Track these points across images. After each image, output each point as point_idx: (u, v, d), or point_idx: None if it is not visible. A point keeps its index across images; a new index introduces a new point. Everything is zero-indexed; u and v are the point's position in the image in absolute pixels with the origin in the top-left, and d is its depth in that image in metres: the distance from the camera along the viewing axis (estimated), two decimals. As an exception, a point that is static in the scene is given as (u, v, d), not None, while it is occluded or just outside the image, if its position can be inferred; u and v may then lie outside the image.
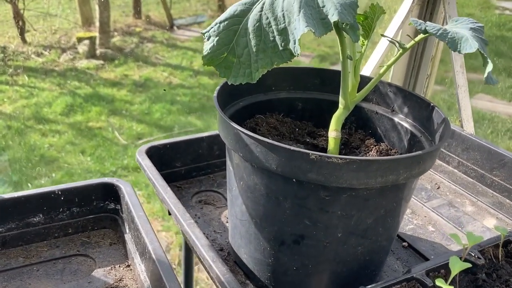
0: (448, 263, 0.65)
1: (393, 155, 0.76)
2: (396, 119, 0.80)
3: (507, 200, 0.99)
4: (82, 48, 4.93)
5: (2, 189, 2.74)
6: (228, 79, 0.65)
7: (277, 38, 0.62)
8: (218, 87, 0.75)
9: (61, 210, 0.81)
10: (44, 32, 5.36)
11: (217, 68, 0.67)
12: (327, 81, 0.86)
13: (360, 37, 0.76)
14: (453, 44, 0.64)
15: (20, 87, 4.35)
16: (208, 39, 0.66)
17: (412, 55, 1.29)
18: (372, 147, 0.79)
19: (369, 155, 0.78)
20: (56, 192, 0.80)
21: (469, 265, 0.60)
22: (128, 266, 0.77)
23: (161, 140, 0.97)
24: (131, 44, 5.31)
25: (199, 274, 2.05)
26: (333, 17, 0.61)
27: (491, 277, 0.67)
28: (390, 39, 0.74)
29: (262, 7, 0.63)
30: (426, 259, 0.83)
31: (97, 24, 5.13)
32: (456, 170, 1.09)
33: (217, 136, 1.01)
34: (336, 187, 0.61)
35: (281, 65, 0.80)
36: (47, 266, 0.77)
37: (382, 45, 1.14)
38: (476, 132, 1.21)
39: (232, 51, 0.65)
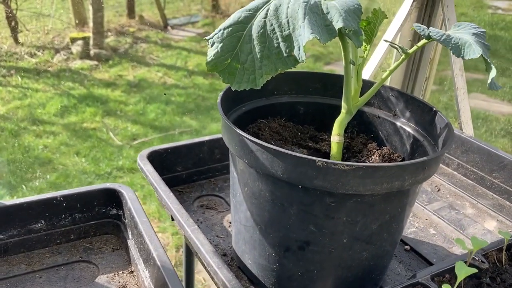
0: (452, 267, 0.66)
1: (396, 159, 0.77)
2: (398, 123, 0.80)
3: (507, 202, 0.99)
4: (76, 48, 4.91)
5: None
6: (232, 85, 0.65)
7: (281, 44, 0.62)
8: (221, 93, 0.75)
9: (63, 216, 0.81)
10: (37, 33, 5.33)
11: (221, 74, 0.67)
12: (328, 85, 0.86)
13: (363, 43, 0.76)
14: (456, 49, 0.64)
15: (13, 88, 4.32)
16: (212, 45, 0.66)
17: (411, 58, 1.29)
18: (375, 151, 0.79)
19: (371, 159, 0.78)
20: (58, 198, 0.79)
21: (475, 270, 0.60)
22: (132, 272, 0.77)
23: (162, 144, 0.96)
24: (125, 44, 5.29)
25: (195, 275, 2.05)
26: (337, 24, 0.61)
27: (495, 281, 0.67)
28: (393, 44, 0.75)
29: (266, 14, 0.63)
30: (428, 262, 0.83)
31: (91, 24, 5.11)
32: (455, 173, 1.09)
33: (218, 140, 1.01)
34: (342, 193, 0.61)
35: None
36: (50, 273, 0.76)
37: (381, 48, 1.15)
38: (470, 131, 1.22)
39: (236, 58, 0.65)
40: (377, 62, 1.11)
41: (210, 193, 0.98)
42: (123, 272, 0.77)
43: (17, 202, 0.78)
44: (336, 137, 0.74)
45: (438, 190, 1.04)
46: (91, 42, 4.98)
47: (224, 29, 0.65)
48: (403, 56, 0.73)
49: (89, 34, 5.02)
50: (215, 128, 3.44)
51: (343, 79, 0.72)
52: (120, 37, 5.42)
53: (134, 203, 0.79)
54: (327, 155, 0.78)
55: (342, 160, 0.75)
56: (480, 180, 1.04)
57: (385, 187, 0.60)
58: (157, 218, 2.58)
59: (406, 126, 0.79)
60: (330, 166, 0.58)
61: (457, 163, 1.09)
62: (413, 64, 1.29)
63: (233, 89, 0.64)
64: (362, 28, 0.75)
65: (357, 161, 0.78)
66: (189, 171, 0.99)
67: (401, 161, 0.76)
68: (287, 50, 0.62)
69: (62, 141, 3.52)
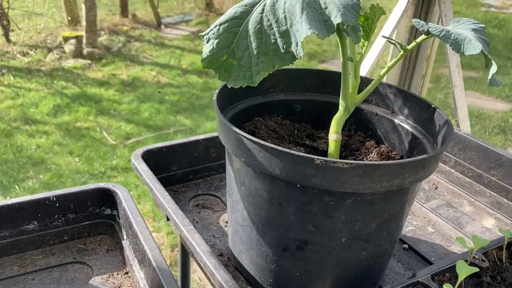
0: (452, 266, 0.65)
1: (394, 157, 0.76)
2: (396, 121, 0.79)
3: (505, 200, 0.99)
4: (69, 47, 4.87)
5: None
6: (228, 83, 0.63)
7: (278, 40, 0.61)
8: (217, 91, 0.73)
9: (56, 217, 0.79)
10: (30, 32, 5.28)
11: (217, 71, 0.65)
12: (326, 82, 0.85)
13: (361, 39, 0.75)
14: (456, 45, 0.63)
15: (6, 87, 4.28)
16: (207, 42, 0.65)
17: (407, 55, 1.29)
18: (373, 149, 0.78)
19: (369, 157, 0.77)
20: (51, 199, 0.78)
21: (476, 269, 0.59)
22: (127, 273, 0.76)
23: (156, 143, 0.95)
24: (118, 43, 5.26)
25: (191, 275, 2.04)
26: (336, 19, 0.60)
27: (495, 279, 0.66)
28: (391, 40, 0.74)
29: (263, 9, 0.62)
30: (427, 261, 0.82)
31: (84, 23, 5.07)
32: (453, 170, 1.09)
33: (214, 138, 1.00)
34: (341, 192, 0.60)
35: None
36: (43, 275, 0.74)
37: (378, 45, 1.14)
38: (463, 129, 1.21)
39: (232, 54, 0.64)
40: (374, 59, 1.10)
41: (206, 192, 0.96)
42: (117, 273, 0.76)
43: (9, 202, 0.76)
44: (333, 135, 0.73)
45: (435, 188, 1.03)
46: (84, 41, 4.95)
47: (220, 25, 0.64)
48: (402, 52, 0.72)
49: (82, 33, 4.98)
50: (210, 127, 3.43)
51: (340, 76, 0.71)
52: (113, 35, 5.39)
53: (129, 203, 0.77)
54: (324, 153, 0.77)
55: (340, 158, 0.74)
56: (477, 177, 1.04)
57: (385, 186, 0.59)
58: (151, 217, 2.57)
59: (404, 123, 0.78)
60: (329, 164, 0.57)
61: (454, 161, 1.08)
62: (409, 62, 1.28)
63: (229, 86, 0.63)
64: (360, 24, 0.74)
65: (355, 159, 0.77)
66: (185, 170, 0.98)
67: (399, 159, 0.76)
68: (284, 46, 0.61)
69: (55, 141, 3.49)
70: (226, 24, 0.63)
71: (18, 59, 4.73)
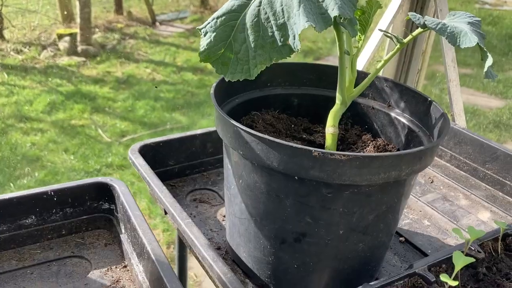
0: (449, 257, 0.65)
1: (390, 150, 0.76)
2: (392, 114, 0.80)
3: (500, 193, 1.00)
4: (63, 44, 4.85)
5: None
6: (226, 76, 0.64)
7: (276, 33, 0.61)
8: (214, 84, 0.73)
9: (54, 211, 0.79)
10: (23, 29, 5.26)
11: (214, 64, 0.65)
12: (323, 76, 0.85)
13: (358, 32, 0.75)
14: (452, 38, 0.64)
15: (0, 85, 4.26)
16: (205, 35, 0.65)
17: (403, 50, 1.29)
18: (369, 143, 0.79)
19: (366, 150, 0.77)
20: (49, 193, 0.78)
21: (472, 259, 0.60)
22: (125, 267, 0.76)
23: (153, 138, 0.95)
24: (113, 41, 5.24)
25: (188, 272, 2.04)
26: (333, 12, 0.60)
27: (491, 270, 0.67)
28: (387, 34, 0.74)
29: (260, 2, 0.62)
30: (423, 254, 0.83)
31: (78, 20, 5.05)
32: (448, 164, 1.09)
33: (211, 133, 1.00)
34: (338, 183, 0.60)
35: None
36: (41, 269, 0.75)
37: (374, 40, 1.14)
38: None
39: (229, 47, 0.64)
40: (370, 54, 1.10)
41: (203, 187, 0.97)
42: (116, 267, 0.76)
43: (7, 197, 0.76)
44: (330, 129, 0.73)
45: (431, 182, 1.04)
46: (78, 38, 4.93)
47: (217, 18, 0.64)
48: (398, 45, 0.72)
49: (77, 30, 4.97)
50: (205, 124, 3.42)
51: (337, 70, 0.72)
52: (108, 33, 5.37)
53: (127, 197, 0.78)
54: (321, 147, 0.77)
55: (337, 151, 0.74)
56: (473, 171, 1.05)
57: (382, 177, 0.60)
58: (147, 214, 2.57)
59: (400, 117, 0.79)
60: (327, 156, 0.58)
61: (450, 155, 1.09)
62: (405, 56, 1.28)
63: (226, 79, 0.63)
64: (356, 17, 0.74)
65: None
66: (182, 165, 0.98)
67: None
68: (281, 39, 0.61)
69: (50, 138, 3.48)
70: (223, 17, 0.63)
71: (12, 57, 4.71)
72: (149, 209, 2.58)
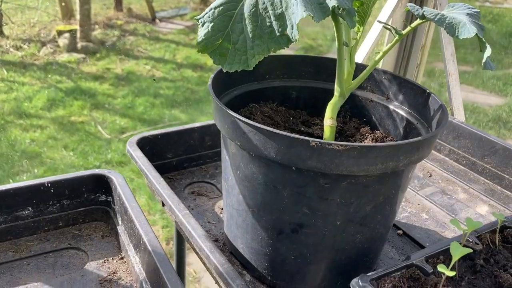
0: (446, 249, 0.65)
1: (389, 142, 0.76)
2: (391, 107, 0.80)
3: (499, 187, 0.99)
4: (63, 41, 4.85)
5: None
6: (223, 67, 0.63)
7: (274, 23, 0.61)
8: (212, 76, 0.73)
9: (51, 203, 0.79)
10: (23, 25, 5.25)
11: (212, 55, 0.65)
12: (321, 69, 0.85)
13: (356, 24, 0.75)
14: (451, 29, 0.63)
15: (-1, 81, 4.26)
16: (202, 25, 0.64)
17: (402, 44, 1.29)
18: (367, 135, 0.79)
19: (364, 143, 0.77)
20: (46, 185, 0.78)
21: (469, 250, 0.59)
22: (122, 258, 0.76)
23: (152, 131, 0.95)
24: (113, 37, 5.24)
25: (186, 267, 2.04)
26: (331, 2, 0.60)
27: (488, 262, 0.67)
28: (386, 26, 0.74)
29: (258, -8, 0.62)
30: (421, 246, 0.83)
31: (78, 17, 5.05)
32: (447, 158, 1.09)
33: (209, 126, 1.00)
34: (336, 174, 0.60)
35: (275, 53, 0.79)
36: (38, 260, 0.74)
37: (373, 33, 1.14)
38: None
39: (227, 38, 0.64)
40: (369, 47, 1.10)
41: (201, 180, 0.96)
42: (113, 259, 0.76)
43: (4, 188, 0.76)
44: (329, 121, 0.73)
45: (430, 176, 1.04)
46: (78, 35, 4.93)
47: (215, 8, 0.63)
48: (397, 37, 0.72)
49: (76, 26, 4.96)
50: (205, 121, 3.42)
51: (335, 62, 0.71)
52: (108, 29, 5.37)
53: (124, 189, 0.77)
54: (319, 139, 0.77)
55: (335, 143, 0.74)
56: (471, 165, 1.04)
57: (380, 168, 0.60)
58: (146, 211, 2.57)
59: (399, 109, 0.79)
60: (324, 146, 0.58)
61: (448, 149, 1.09)
62: (404, 51, 1.28)
63: (224, 70, 0.63)
64: (355, 9, 0.74)
65: (350, 145, 0.77)
66: (180, 158, 0.98)
67: (394, 144, 0.76)
68: (280, 29, 0.61)
69: (50, 135, 3.47)
70: (221, 7, 0.63)
71: (12, 53, 4.71)
72: (148, 206, 2.58)
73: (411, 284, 0.62)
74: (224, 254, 0.76)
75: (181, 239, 1.03)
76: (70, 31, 4.88)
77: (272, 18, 0.61)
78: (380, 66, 1.36)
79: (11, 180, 2.83)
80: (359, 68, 0.81)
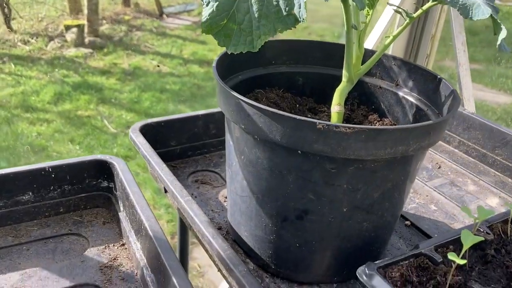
0: (456, 238, 0.63)
1: (398, 129, 0.74)
2: (400, 93, 0.77)
3: (509, 179, 0.97)
4: (70, 36, 4.85)
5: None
6: (228, 48, 0.61)
7: (280, 2, 0.59)
8: (216, 58, 0.71)
9: (51, 188, 0.77)
10: (31, 20, 5.27)
11: (216, 36, 0.63)
12: (329, 55, 0.83)
13: (365, 6, 0.73)
14: (464, 10, 0.61)
15: (7, 75, 4.27)
16: (207, 5, 0.62)
17: (412, 33, 1.26)
18: (376, 123, 0.77)
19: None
20: (47, 169, 0.76)
21: (481, 238, 0.57)
22: (123, 245, 0.74)
23: (155, 118, 0.93)
24: (120, 33, 5.24)
25: (190, 262, 2.03)
26: (340, -20, 0.58)
27: (500, 252, 0.65)
28: (396, 8, 0.71)
29: (265, -30, 0.60)
30: (430, 238, 0.81)
31: (85, 11, 5.05)
32: (457, 150, 1.07)
33: (213, 114, 0.98)
34: (343, 158, 0.58)
35: (281, 38, 0.77)
36: (38, 246, 0.73)
37: (384, 18, 1.11)
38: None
39: (232, 18, 0.62)
40: (380, 33, 1.07)
41: (205, 168, 0.95)
42: (114, 245, 0.74)
43: (3, 172, 0.74)
44: (336, 107, 0.71)
45: (439, 168, 1.01)
46: (85, 30, 4.93)
47: (220, -14, 0.61)
48: (407, 20, 0.70)
49: (84, 21, 4.97)
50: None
51: (343, 48, 0.69)
52: (115, 25, 5.37)
53: (126, 175, 0.76)
54: (327, 123, 0.75)
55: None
56: (482, 157, 1.02)
57: (388, 152, 0.58)
58: (152, 205, 2.56)
59: (408, 96, 0.76)
60: (331, 129, 0.56)
61: (458, 141, 1.06)
62: (414, 41, 1.26)
63: (229, 52, 0.61)
64: (364, -10, 0.72)
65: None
66: (184, 146, 0.96)
67: (403, 131, 0.74)
68: (286, 9, 0.59)
69: (56, 128, 3.48)
70: (226, -14, 0.61)
71: (19, 47, 4.72)
72: (153, 200, 2.57)
73: (420, 273, 0.60)
74: (227, 242, 0.74)
75: (184, 228, 1.01)
76: (77, 26, 4.89)
77: (279, -3, 0.59)
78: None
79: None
80: (368, 54, 0.79)
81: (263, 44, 0.61)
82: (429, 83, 0.74)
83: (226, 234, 0.76)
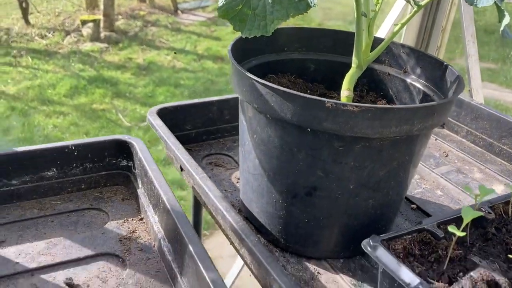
0: (458, 216, 0.66)
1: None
2: (408, 80, 0.80)
3: (515, 168, 0.99)
4: (86, 31, 4.92)
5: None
6: (243, 32, 0.65)
7: (293, -12, 0.62)
8: (232, 42, 0.75)
9: (74, 165, 0.82)
10: (48, 15, 5.35)
11: (232, 21, 0.67)
12: (340, 43, 0.86)
13: (375, -5, 0.76)
14: (469, -2, 0.64)
15: (24, 68, 4.35)
16: (224, -9, 0.66)
17: (423, 25, 1.29)
18: (384, 108, 0.80)
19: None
20: (70, 147, 0.81)
21: (481, 213, 0.60)
22: (141, 219, 0.78)
23: (171, 102, 0.97)
24: (135, 28, 5.30)
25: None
26: (350, -33, 0.61)
27: (500, 231, 0.67)
28: (405, -4, 0.74)
29: (279, -43, 0.63)
30: (435, 220, 0.84)
31: (101, 7, 5.12)
32: (464, 140, 1.09)
33: (228, 101, 1.02)
34: (350, 136, 0.61)
35: (293, 26, 0.80)
36: (61, 218, 0.78)
37: (396, 8, 1.14)
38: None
39: (247, 3, 0.65)
40: (392, 22, 1.10)
41: (219, 152, 0.99)
42: (132, 219, 0.78)
43: (30, 149, 0.79)
44: (345, 92, 0.74)
45: (446, 156, 1.04)
46: (101, 24, 5.00)
47: (237, -27, 0.65)
48: (415, 8, 0.73)
49: (100, 17, 5.03)
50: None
51: (354, 36, 0.72)
52: (130, 20, 5.43)
53: (144, 153, 0.80)
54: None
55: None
56: (488, 146, 1.04)
57: (394, 131, 0.61)
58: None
59: (416, 82, 0.79)
60: (340, 107, 0.59)
61: (466, 130, 1.09)
62: (424, 33, 1.28)
63: (243, 36, 0.65)
64: (374, -21, 0.75)
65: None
66: (198, 130, 1.00)
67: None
68: (299, -6, 0.62)
69: (72, 121, 3.54)
70: (242, -27, 0.65)
71: (37, 41, 4.80)
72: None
73: (422, 247, 0.63)
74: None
75: (198, 207, 1.05)
76: (93, 21, 4.96)
77: (292, -16, 0.62)
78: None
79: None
80: (377, 41, 0.82)
81: (276, 28, 0.64)
82: (436, 70, 0.76)
83: (238, 212, 0.80)
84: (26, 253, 0.69)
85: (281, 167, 0.68)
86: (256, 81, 0.64)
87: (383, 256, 0.59)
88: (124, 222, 0.78)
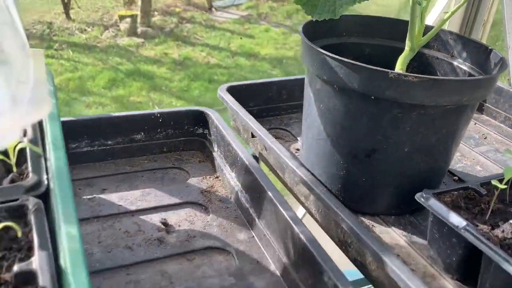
0: (500, 179, 0.76)
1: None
2: (455, 63, 0.90)
3: (550, 149, 1.08)
4: (124, 26, 5.10)
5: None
6: (313, 16, 0.76)
7: (362, -22, 0.73)
8: (302, 25, 0.86)
9: (158, 131, 0.95)
10: (88, 10, 5.55)
11: (304, 6, 0.78)
12: (394, 29, 0.96)
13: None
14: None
15: (65, 61, 4.55)
16: (300, -20, 0.77)
17: (465, 19, 1.37)
18: (432, 87, 0.90)
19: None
20: (156, 114, 0.93)
21: (521, 171, 0.70)
22: (217, 177, 0.91)
23: (238, 81, 1.09)
24: (171, 24, 5.46)
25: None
26: (413, -40, 0.72)
27: (538, 193, 0.77)
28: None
29: (350, -48, 0.74)
30: (475, 190, 0.93)
31: (139, 3, 5.29)
32: (502, 125, 1.18)
33: (286, 82, 1.14)
34: (408, 104, 0.72)
35: (352, 13, 0.91)
36: (149, 174, 0.90)
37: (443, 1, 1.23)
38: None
39: (320, -10, 0.76)
40: (440, 11, 1.19)
41: (278, 126, 1.10)
42: (209, 177, 0.91)
43: (123, 114, 0.92)
44: (399, 72, 0.85)
45: (485, 138, 1.13)
46: (138, 20, 5.17)
47: (312, -36, 0.76)
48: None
49: (137, 12, 5.20)
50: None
51: (407, 24, 0.83)
52: (166, 16, 5.60)
53: (220, 122, 0.92)
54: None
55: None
56: (524, 130, 1.13)
57: (446, 100, 0.71)
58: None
59: (462, 65, 0.89)
60: (401, 78, 0.70)
61: (504, 116, 1.18)
62: (466, 26, 1.37)
63: (314, 19, 0.76)
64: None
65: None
66: (260, 107, 1.12)
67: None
68: (367, -17, 0.73)
69: (110, 112, 3.70)
70: (317, -36, 0.76)
71: (77, 35, 5.00)
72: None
73: (467, 201, 0.73)
74: (302, 180, 0.89)
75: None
76: (131, 16, 5.13)
77: (361, -27, 0.73)
78: (446, 24, 1.43)
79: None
80: (428, 29, 0.92)
81: (343, 13, 0.75)
82: (481, 54, 0.86)
83: (300, 174, 0.91)
84: (126, 198, 0.82)
85: (344, 132, 0.79)
86: (328, 55, 0.75)
87: (434, 205, 0.69)
88: (203, 179, 0.90)
